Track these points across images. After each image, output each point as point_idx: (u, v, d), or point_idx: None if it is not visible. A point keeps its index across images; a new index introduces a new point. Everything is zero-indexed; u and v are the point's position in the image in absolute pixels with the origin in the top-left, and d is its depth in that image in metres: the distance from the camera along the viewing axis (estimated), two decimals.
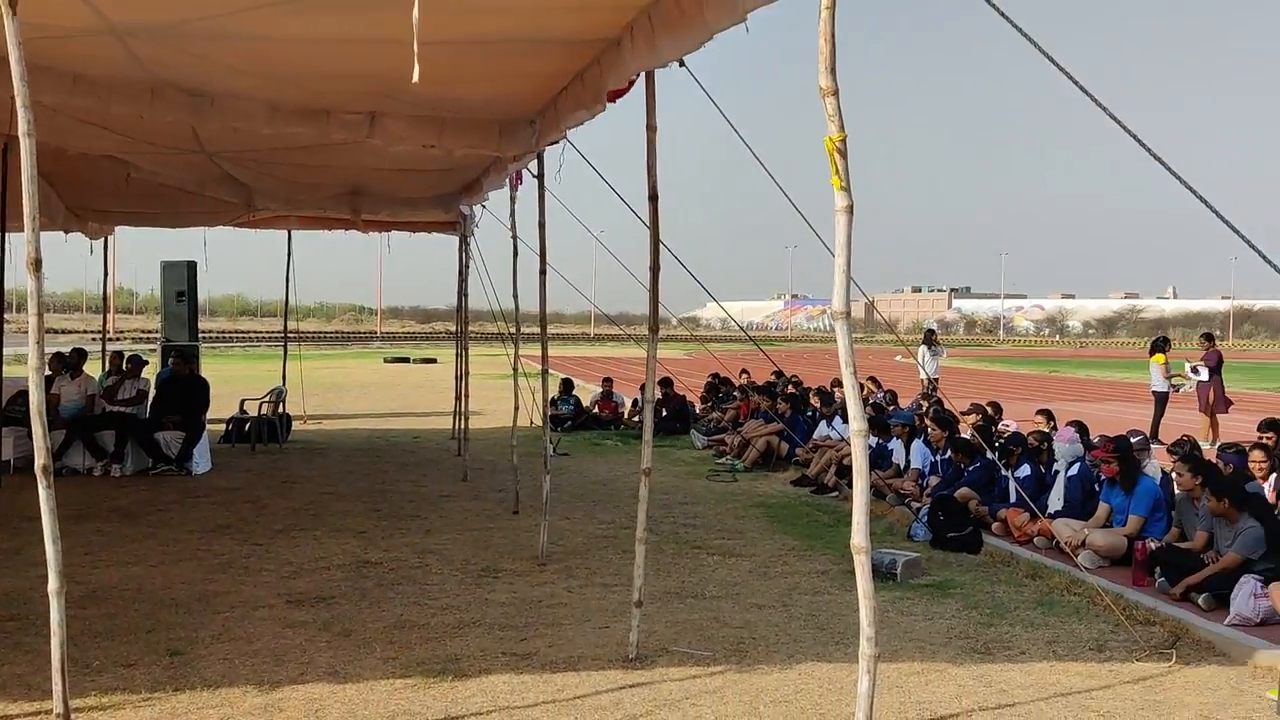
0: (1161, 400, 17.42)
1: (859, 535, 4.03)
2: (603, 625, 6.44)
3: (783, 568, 8.07)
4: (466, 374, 13.40)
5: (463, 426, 13.42)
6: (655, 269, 5.96)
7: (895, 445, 11.71)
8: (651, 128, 5.89)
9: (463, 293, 14.13)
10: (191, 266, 16.72)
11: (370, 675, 5.49)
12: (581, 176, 8.32)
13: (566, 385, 19.23)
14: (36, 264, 3.65)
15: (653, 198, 5.91)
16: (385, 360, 45.45)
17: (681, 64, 5.88)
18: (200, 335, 17.84)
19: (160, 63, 6.83)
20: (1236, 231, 4.23)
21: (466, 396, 13.42)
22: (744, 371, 18.77)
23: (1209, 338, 18.56)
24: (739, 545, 8.85)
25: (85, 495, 10.84)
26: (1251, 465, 8.86)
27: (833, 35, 4.03)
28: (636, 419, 17.89)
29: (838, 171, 4.01)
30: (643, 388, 6.40)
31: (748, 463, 13.58)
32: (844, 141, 4.05)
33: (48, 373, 14.28)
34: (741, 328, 15.42)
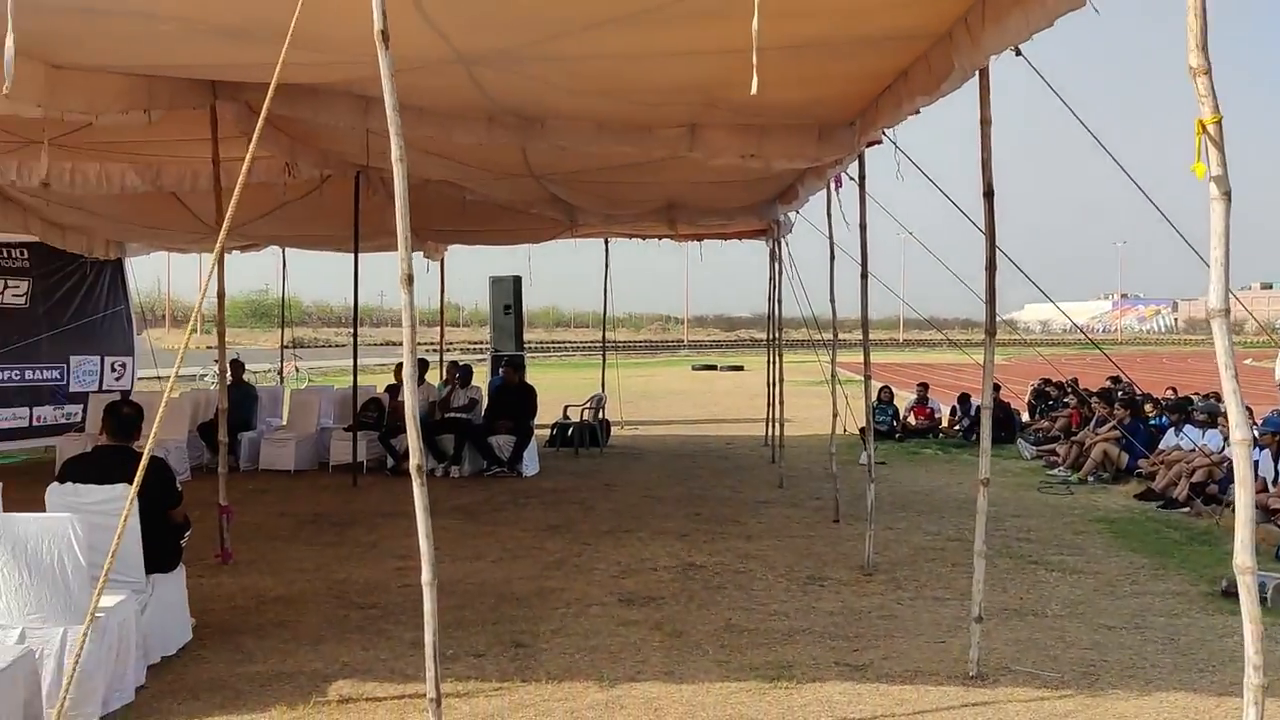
0: None
1: (1243, 553, 3.65)
2: (938, 640, 6.21)
3: (1132, 587, 7.50)
4: (781, 380, 13.25)
5: (777, 433, 13.40)
6: (991, 269, 5.69)
7: (1260, 457, 10.63)
8: (986, 121, 5.63)
9: (775, 298, 13.93)
10: (517, 281, 17.81)
11: (704, 677, 5.55)
12: (888, 177, 8.04)
13: (885, 394, 18.39)
14: (409, 280, 3.92)
15: (988, 194, 5.66)
16: (693, 368, 46.34)
17: (1018, 53, 5.59)
18: (524, 345, 18.78)
19: (498, 87, 7.25)
20: None
21: (781, 403, 13.34)
22: (1074, 379, 17.67)
23: None
24: (1080, 561, 8.31)
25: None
26: None
27: (1204, 9, 3.69)
28: (956, 427, 17.24)
29: (1202, 157, 3.67)
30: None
31: (1084, 474, 12.76)
32: (1219, 124, 3.70)
33: (391, 381, 15.60)
34: (1083, 330, 14.55)
